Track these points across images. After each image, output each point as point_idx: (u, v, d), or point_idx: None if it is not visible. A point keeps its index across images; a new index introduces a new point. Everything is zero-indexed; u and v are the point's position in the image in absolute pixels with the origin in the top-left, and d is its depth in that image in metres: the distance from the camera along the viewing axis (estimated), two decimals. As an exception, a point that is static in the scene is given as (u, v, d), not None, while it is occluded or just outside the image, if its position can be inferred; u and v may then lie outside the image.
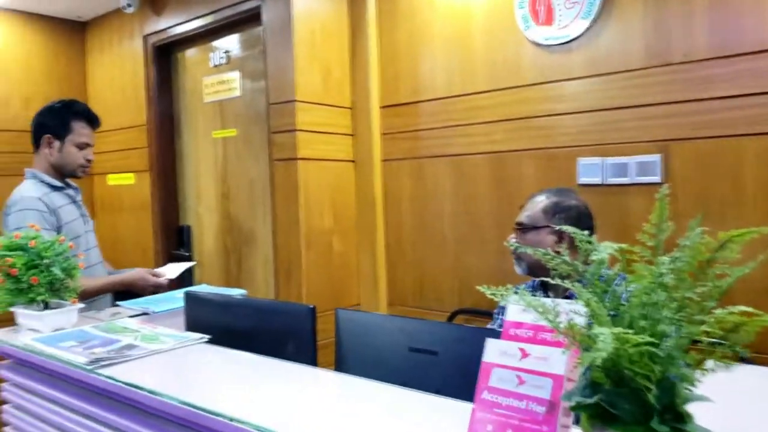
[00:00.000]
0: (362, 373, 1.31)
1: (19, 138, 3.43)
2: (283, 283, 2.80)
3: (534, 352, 0.90)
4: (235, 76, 3.17)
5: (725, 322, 0.68)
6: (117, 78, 3.77)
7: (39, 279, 1.76)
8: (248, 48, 3.12)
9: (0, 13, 3.57)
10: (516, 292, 0.82)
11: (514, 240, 1.89)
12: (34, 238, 1.80)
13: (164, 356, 1.50)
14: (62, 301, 1.84)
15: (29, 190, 2.23)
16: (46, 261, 1.77)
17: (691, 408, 0.71)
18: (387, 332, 1.46)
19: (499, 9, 2.48)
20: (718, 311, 0.68)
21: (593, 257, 0.74)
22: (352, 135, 2.92)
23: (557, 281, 0.79)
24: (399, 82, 2.82)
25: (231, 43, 3.21)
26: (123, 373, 1.36)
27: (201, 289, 2.30)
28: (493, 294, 0.81)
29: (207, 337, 1.62)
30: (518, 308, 0.96)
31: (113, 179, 3.85)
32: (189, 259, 3.51)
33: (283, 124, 2.75)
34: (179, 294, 1.99)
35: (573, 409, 0.77)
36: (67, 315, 1.81)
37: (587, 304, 0.76)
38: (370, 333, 1.49)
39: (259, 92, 3.04)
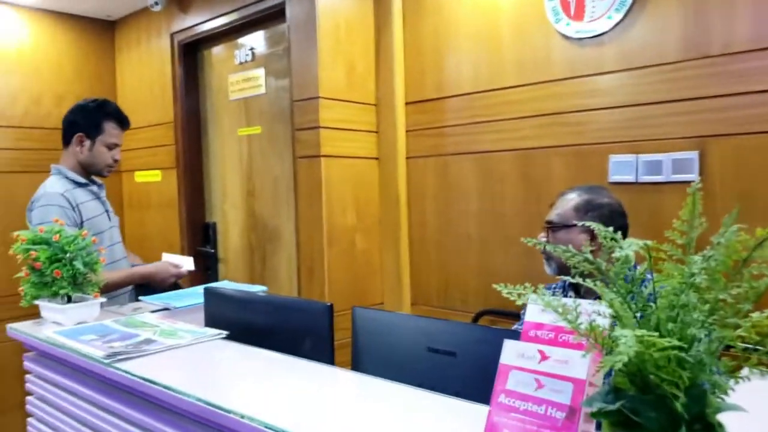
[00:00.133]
0: (378, 373, 1.28)
1: (50, 136, 3.49)
2: (305, 281, 2.78)
3: (554, 355, 0.85)
4: (260, 73, 3.16)
5: (762, 326, 0.62)
6: (145, 76, 3.81)
7: (62, 273, 1.78)
8: (273, 45, 3.11)
9: (31, 13, 3.64)
10: (535, 291, 0.78)
11: (543, 238, 1.84)
12: (58, 232, 1.82)
13: (181, 351, 1.50)
14: (85, 295, 1.86)
15: (53, 185, 2.27)
16: (69, 255, 1.79)
17: (723, 418, 0.65)
18: (404, 331, 1.42)
19: (528, 1, 2.42)
20: (754, 315, 0.63)
21: (616, 254, 0.68)
22: (376, 132, 2.89)
23: (577, 280, 0.74)
24: (424, 78, 2.78)
25: (256, 40, 3.21)
26: (140, 368, 1.35)
27: (222, 285, 2.30)
28: (510, 293, 0.77)
29: (224, 333, 1.61)
30: (539, 308, 0.91)
31: (141, 176, 3.89)
32: (214, 256, 3.52)
33: (306, 121, 2.73)
34: (201, 290, 1.98)
35: (594, 415, 0.72)
36: (89, 309, 1.83)
37: (610, 305, 0.71)
38: (387, 332, 1.45)
39: (283, 89, 3.02)
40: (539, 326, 0.93)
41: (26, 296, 1.83)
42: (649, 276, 0.73)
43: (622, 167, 2.19)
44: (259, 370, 1.40)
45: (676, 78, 2.07)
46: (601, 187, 1.90)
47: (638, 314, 0.71)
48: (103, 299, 1.89)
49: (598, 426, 0.75)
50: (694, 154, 2.02)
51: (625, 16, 2.17)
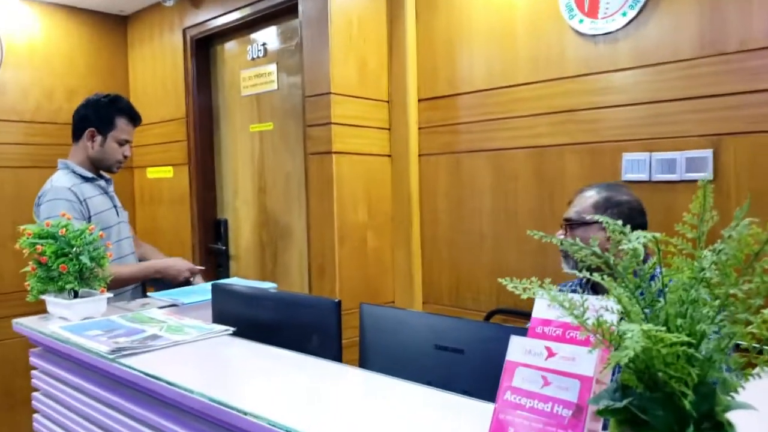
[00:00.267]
0: (385, 370, 1.27)
1: (62, 131, 3.48)
2: (316, 279, 2.77)
3: (561, 352, 0.83)
4: (272, 69, 3.16)
5: (774, 323, 0.60)
6: (158, 71, 3.81)
7: (68, 267, 1.77)
8: (285, 40, 3.11)
9: (44, 7, 3.65)
10: (541, 285, 0.76)
11: (561, 236, 1.81)
12: (64, 227, 1.81)
13: (187, 347, 1.49)
14: (91, 290, 1.85)
15: (60, 180, 2.27)
16: (75, 249, 1.79)
17: (732, 417, 0.63)
18: (412, 329, 1.40)
19: (541, -3, 2.40)
20: (766, 310, 0.61)
21: (623, 247, 0.67)
22: (388, 129, 2.87)
23: (584, 274, 0.72)
24: (437, 75, 2.76)
25: (268, 35, 3.21)
26: (144, 364, 1.35)
27: (232, 281, 2.30)
28: (515, 287, 0.75)
29: (231, 329, 1.60)
30: (546, 304, 0.90)
31: (153, 172, 3.90)
32: (225, 253, 3.53)
33: (318, 117, 2.72)
34: (209, 286, 1.98)
35: (600, 413, 0.70)
36: (96, 304, 1.82)
37: (618, 300, 0.69)
38: (395, 329, 1.44)
39: (295, 85, 3.02)
40: (546, 323, 0.91)
41: (32, 291, 1.82)
42: (658, 271, 0.71)
43: (635, 165, 2.16)
44: (266, 367, 1.39)
45: (691, 75, 2.03)
46: (621, 185, 1.88)
47: (647, 310, 0.69)
48: (110, 294, 1.88)
49: (605, 424, 0.73)
50: (708, 153, 1.99)
51: (640, 12, 2.13)
